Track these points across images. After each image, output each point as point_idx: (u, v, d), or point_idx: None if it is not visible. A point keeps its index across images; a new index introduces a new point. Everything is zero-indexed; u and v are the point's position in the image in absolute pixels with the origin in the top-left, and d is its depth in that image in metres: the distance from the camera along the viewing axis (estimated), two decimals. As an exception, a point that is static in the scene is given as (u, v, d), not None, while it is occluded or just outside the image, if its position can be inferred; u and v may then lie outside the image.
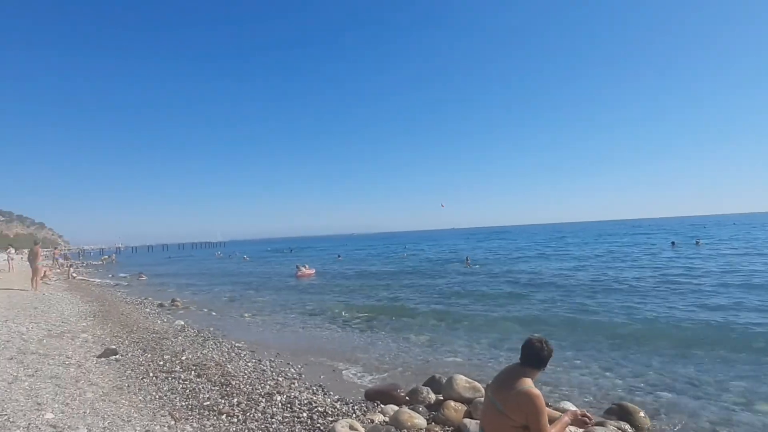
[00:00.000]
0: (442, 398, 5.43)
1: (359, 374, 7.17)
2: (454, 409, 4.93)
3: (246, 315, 13.16)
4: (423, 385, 5.85)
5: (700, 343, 8.04)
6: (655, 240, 42.98)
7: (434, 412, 5.06)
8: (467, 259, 28.57)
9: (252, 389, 5.83)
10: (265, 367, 7.24)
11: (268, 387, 5.98)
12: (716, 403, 5.45)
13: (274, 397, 5.49)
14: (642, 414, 4.86)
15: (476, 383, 5.52)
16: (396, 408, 5.08)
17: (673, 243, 34.37)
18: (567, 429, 3.39)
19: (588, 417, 3.43)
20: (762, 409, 5.22)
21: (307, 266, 27.81)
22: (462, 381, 5.52)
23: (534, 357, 3.23)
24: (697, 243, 33.37)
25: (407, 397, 5.59)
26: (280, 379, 6.56)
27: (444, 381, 5.73)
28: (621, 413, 4.86)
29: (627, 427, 4.55)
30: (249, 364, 7.41)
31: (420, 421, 4.69)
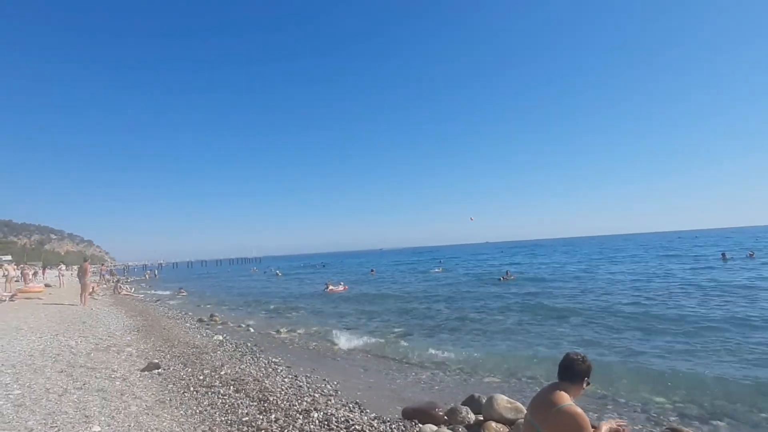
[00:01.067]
0: (482, 419, 5.27)
1: (397, 390, 7.06)
2: (495, 430, 4.77)
3: (282, 330, 13.28)
4: (462, 405, 5.69)
5: (760, 361, 7.49)
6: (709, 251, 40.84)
7: (474, 433, 4.90)
8: (507, 273, 27.97)
9: (289, 405, 5.83)
10: (301, 383, 7.24)
11: (305, 403, 5.96)
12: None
13: (312, 414, 5.46)
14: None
15: (518, 404, 5.33)
16: (435, 428, 4.96)
17: (723, 255, 32.56)
18: None
19: (624, 426, 3.24)
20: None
21: (341, 283, 27.90)
22: (503, 401, 5.33)
23: (569, 371, 3.10)
24: (750, 255, 31.50)
25: (446, 417, 5.45)
26: (317, 395, 6.54)
27: (484, 401, 5.56)
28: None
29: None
30: (286, 379, 7.44)
31: (460, 442, 4.56)
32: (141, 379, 6.84)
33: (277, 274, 51.29)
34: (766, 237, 68.27)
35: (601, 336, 10.00)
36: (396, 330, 12.51)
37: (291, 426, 5.04)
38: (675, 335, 9.58)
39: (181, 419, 5.12)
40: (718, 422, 5.38)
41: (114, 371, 7.04)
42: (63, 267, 31.64)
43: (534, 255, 59.72)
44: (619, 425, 3.24)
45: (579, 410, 3.00)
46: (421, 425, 5.22)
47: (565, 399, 3.05)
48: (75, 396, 5.50)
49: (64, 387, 5.83)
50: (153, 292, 31.58)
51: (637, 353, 8.46)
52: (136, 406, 5.41)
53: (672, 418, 5.51)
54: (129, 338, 10.49)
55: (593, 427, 3.07)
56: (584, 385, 3.12)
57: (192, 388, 6.46)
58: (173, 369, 7.61)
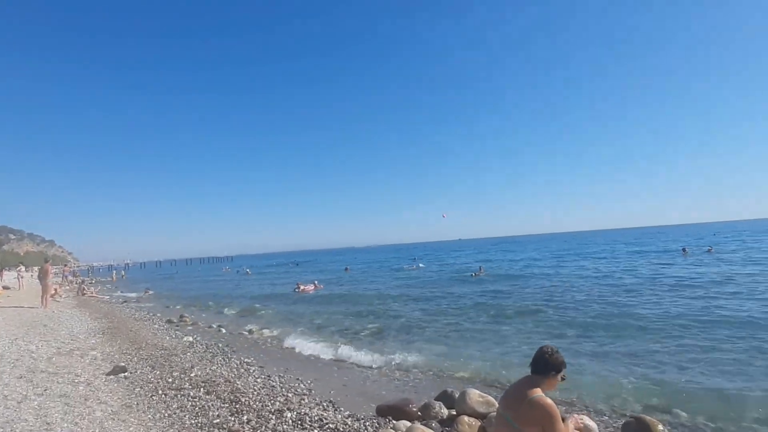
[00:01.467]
0: (455, 413, 5.33)
1: (370, 388, 7.07)
2: (468, 424, 4.84)
3: (254, 330, 13.09)
4: (435, 400, 5.75)
5: (719, 350, 7.85)
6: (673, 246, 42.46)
7: (447, 427, 4.96)
8: (480, 269, 28.44)
9: (262, 406, 5.76)
10: (274, 383, 7.16)
11: (278, 403, 5.90)
12: (740, 417, 5.29)
13: (285, 414, 5.41)
14: (660, 427, 4.74)
15: (490, 397, 5.42)
16: (408, 424, 4.99)
17: (684, 250, 33.92)
18: None
19: (584, 426, 3.38)
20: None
21: (315, 282, 27.68)
22: (475, 395, 5.41)
23: (541, 364, 3.18)
24: (708, 250, 32.94)
25: (419, 413, 5.49)
26: (290, 395, 6.48)
27: (457, 395, 5.63)
28: (638, 427, 4.73)
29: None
30: (258, 380, 7.34)
31: (433, 437, 4.60)
32: (106, 383, 6.63)
33: (247, 273, 50.60)
34: (723, 232, 71.47)
35: (568, 332, 10.21)
36: (369, 327, 12.51)
37: (263, 426, 4.98)
38: (637, 330, 9.84)
39: (149, 423, 4.99)
40: (679, 411, 5.60)
41: (77, 376, 6.79)
42: (22, 268, 30.21)
43: (506, 251, 60.85)
44: (579, 420, 3.35)
45: (549, 401, 3.08)
46: (395, 422, 5.24)
47: (537, 391, 3.13)
48: (35, 402, 5.28)
49: (24, 393, 5.59)
50: (119, 293, 30.59)
51: (602, 348, 8.70)
52: (101, 411, 5.24)
53: (636, 408, 5.70)
54: (93, 341, 10.13)
55: (562, 419, 3.17)
56: (557, 378, 3.20)
57: (160, 391, 6.30)
58: (140, 372, 7.41)
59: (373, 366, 8.33)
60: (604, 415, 5.53)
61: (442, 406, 5.53)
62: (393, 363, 8.54)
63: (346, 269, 43.76)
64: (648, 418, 4.91)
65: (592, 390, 6.32)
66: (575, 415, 3.73)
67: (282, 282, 33.15)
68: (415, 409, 5.55)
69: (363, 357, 9.15)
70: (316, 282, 27.96)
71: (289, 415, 5.39)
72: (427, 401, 5.71)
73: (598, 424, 4.77)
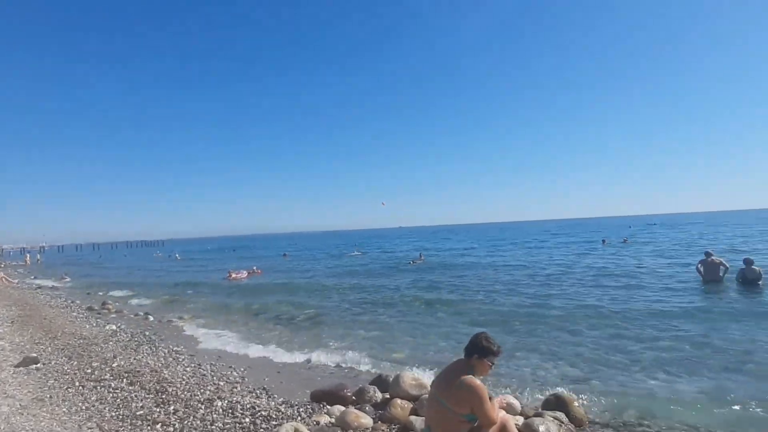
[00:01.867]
0: (389, 396, 5.43)
1: (305, 375, 7.03)
2: (401, 407, 4.94)
3: (184, 317, 12.56)
4: (370, 384, 5.82)
5: (625, 330, 8.58)
6: (594, 237, 45.61)
7: (381, 411, 5.04)
8: (420, 257, 29.02)
9: (190, 396, 5.55)
10: (205, 372, 6.92)
11: (208, 392, 5.72)
12: (642, 386, 5.84)
13: (215, 403, 5.25)
14: (576, 403, 5.10)
15: (422, 380, 5.58)
16: (342, 408, 5.02)
17: (603, 241, 36.63)
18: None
19: (507, 404, 3.68)
20: (683, 393, 5.61)
21: (254, 267, 26.95)
22: (408, 378, 5.55)
23: (472, 348, 3.37)
24: (624, 241, 35.80)
25: (354, 397, 5.54)
26: (222, 383, 6.29)
27: (391, 379, 5.74)
28: (557, 404, 5.06)
29: (563, 417, 4.74)
30: (188, 369, 7.06)
31: (366, 420, 4.67)
32: (15, 375, 6.10)
33: (176, 258, 48.45)
34: (637, 225, 77.94)
35: (496, 319, 10.57)
36: (306, 314, 12.41)
37: (191, 417, 4.81)
38: (553, 319, 10.30)
39: (64, 417, 4.66)
40: (594, 381, 6.12)
41: (-21, 369, 6.19)
42: None
43: (445, 240, 62.59)
44: (504, 399, 3.61)
45: (478, 382, 3.25)
46: (329, 407, 5.26)
47: (467, 373, 3.29)
48: (-74, 399, 4.75)
49: None
50: (33, 279, 28.11)
51: (524, 335, 9.03)
52: (8, 406, 4.82)
53: (558, 389, 6.10)
54: (1, 330, 9.26)
55: (489, 398, 3.36)
56: (487, 363, 3.36)
57: (78, 383, 5.90)
58: (55, 363, 6.89)
59: (309, 353, 8.24)
60: (527, 393, 5.86)
61: (377, 390, 5.61)
62: (329, 350, 8.50)
63: (285, 255, 43.03)
64: (565, 393, 5.28)
65: (518, 373, 6.68)
66: (500, 396, 3.97)
67: (215, 268, 31.88)
68: (349, 394, 5.60)
69: (298, 345, 9.05)
70: (255, 267, 27.26)
71: (219, 403, 5.24)
72: (362, 386, 5.77)
73: (521, 402, 5.09)
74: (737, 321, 8.94)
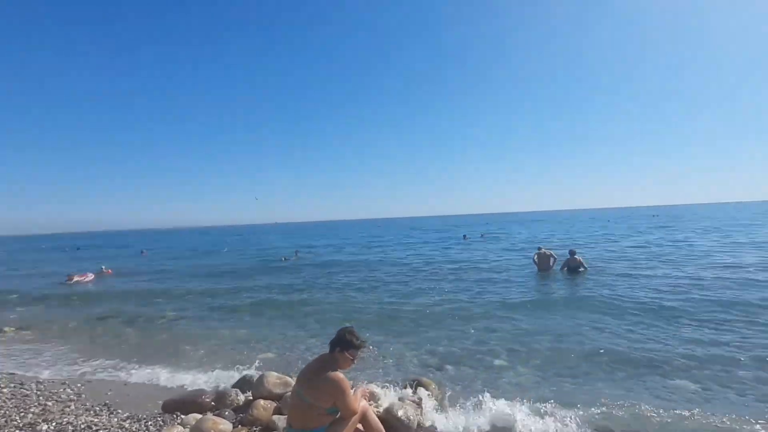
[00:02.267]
0: (252, 398, 5.19)
1: (158, 386, 6.35)
2: (263, 407, 4.75)
3: (8, 329, 10.53)
4: (232, 387, 5.52)
5: (474, 319, 9.46)
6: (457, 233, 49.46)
7: (242, 414, 4.79)
8: (296, 254, 28.54)
9: (6, 421, 4.65)
10: (28, 391, 5.86)
11: (30, 416, 4.85)
12: (489, 367, 6.50)
13: (39, 427, 4.47)
14: (434, 386, 5.45)
15: (287, 378, 5.42)
16: (199, 416, 4.65)
17: (464, 236, 40.05)
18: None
19: (370, 393, 3.84)
20: (520, 370, 6.36)
21: (103, 267, 23.79)
22: (273, 377, 5.36)
23: (336, 340, 3.42)
24: (481, 236, 39.68)
25: (213, 403, 5.17)
26: (50, 403, 5.38)
27: (255, 380, 5.48)
28: (416, 389, 5.34)
29: (421, 401, 4.98)
30: (4, 390, 5.90)
31: (225, 426, 4.39)
32: None
33: None
34: (492, 221, 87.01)
35: (364, 314, 10.77)
36: (167, 315, 11.40)
37: (4, 447, 4.02)
38: (419, 312, 10.77)
39: None
40: (449, 366, 6.63)
41: None
42: None
43: (323, 237, 62.26)
44: (366, 390, 3.75)
45: (340, 376, 3.30)
46: (183, 416, 4.83)
47: (330, 368, 3.30)
48: None
49: None
50: None
51: (389, 329, 9.29)
52: None
53: (417, 372, 6.44)
54: None
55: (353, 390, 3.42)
56: (349, 356, 3.39)
57: None
58: None
59: (164, 362, 7.42)
60: (390, 382, 6.08)
61: (239, 392, 5.33)
62: (187, 357, 7.78)
63: (143, 252, 38.94)
64: (425, 378, 5.62)
65: (383, 363, 6.92)
66: (363, 387, 4.07)
67: (51, 271, 27.20)
68: (208, 400, 5.20)
69: (152, 353, 8.13)
70: (104, 267, 24.07)
71: (45, 427, 4.48)
72: (223, 389, 5.45)
73: (384, 390, 5.25)
74: (564, 307, 10.29)
